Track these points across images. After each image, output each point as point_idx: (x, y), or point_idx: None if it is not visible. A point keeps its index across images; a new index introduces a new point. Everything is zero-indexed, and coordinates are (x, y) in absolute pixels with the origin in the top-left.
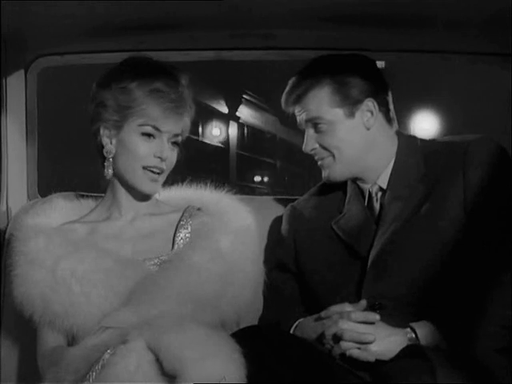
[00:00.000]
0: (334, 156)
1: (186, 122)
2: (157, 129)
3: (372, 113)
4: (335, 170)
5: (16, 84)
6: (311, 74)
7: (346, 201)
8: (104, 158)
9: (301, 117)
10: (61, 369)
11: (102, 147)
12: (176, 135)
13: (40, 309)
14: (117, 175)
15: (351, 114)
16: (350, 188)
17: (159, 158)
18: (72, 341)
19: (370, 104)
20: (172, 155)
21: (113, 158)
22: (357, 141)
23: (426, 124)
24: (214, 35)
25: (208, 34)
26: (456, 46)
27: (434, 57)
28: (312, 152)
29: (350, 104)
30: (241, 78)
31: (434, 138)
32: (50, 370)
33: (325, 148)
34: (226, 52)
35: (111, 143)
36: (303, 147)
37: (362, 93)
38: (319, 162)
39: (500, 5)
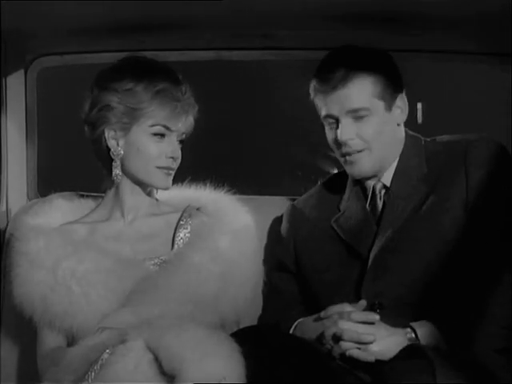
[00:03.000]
0: (370, 148)
1: (191, 120)
2: (168, 128)
3: (401, 109)
4: (367, 164)
5: (16, 84)
6: (351, 62)
7: (346, 199)
8: (106, 161)
9: (339, 105)
10: (60, 369)
11: (108, 150)
12: (183, 133)
13: (40, 309)
14: (127, 175)
15: (389, 108)
16: (349, 186)
17: (171, 157)
18: (72, 341)
19: (402, 100)
20: (180, 153)
21: (120, 159)
22: (390, 136)
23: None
24: (214, 35)
25: (208, 34)
26: (456, 46)
27: (435, 57)
28: (349, 142)
29: (389, 97)
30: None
31: (435, 137)
32: (49, 370)
33: (363, 139)
34: (226, 52)
35: (118, 145)
36: (339, 136)
37: (397, 87)
38: (351, 155)
39: (500, 5)
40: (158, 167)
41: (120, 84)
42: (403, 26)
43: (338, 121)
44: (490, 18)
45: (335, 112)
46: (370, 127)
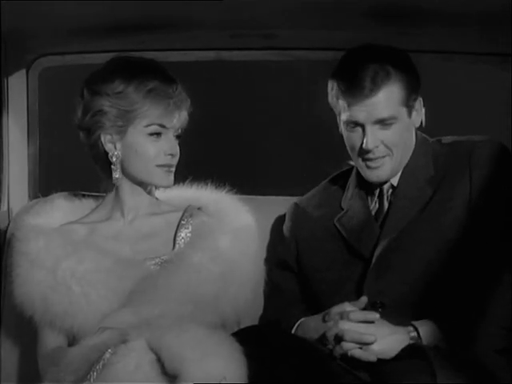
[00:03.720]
0: (392, 154)
1: (185, 114)
2: (163, 126)
3: (417, 112)
4: (387, 169)
5: (17, 84)
6: (378, 67)
7: (349, 197)
8: (105, 165)
9: (366, 113)
10: (61, 369)
11: (106, 154)
12: (178, 129)
13: (40, 309)
14: (127, 177)
15: (409, 114)
16: (352, 184)
17: (170, 155)
18: (73, 341)
19: (420, 103)
20: (178, 149)
21: (119, 162)
22: (409, 140)
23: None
24: (214, 35)
25: (208, 33)
26: (456, 46)
27: (435, 57)
28: (374, 149)
29: (410, 102)
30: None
31: (440, 138)
32: (50, 370)
33: (387, 146)
34: (226, 52)
35: (115, 148)
36: (365, 144)
37: (417, 90)
38: (372, 161)
39: (501, 5)
40: (158, 166)
41: (111, 87)
42: (403, 25)
43: (363, 128)
44: (490, 18)
45: (361, 119)
46: (394, 134)
